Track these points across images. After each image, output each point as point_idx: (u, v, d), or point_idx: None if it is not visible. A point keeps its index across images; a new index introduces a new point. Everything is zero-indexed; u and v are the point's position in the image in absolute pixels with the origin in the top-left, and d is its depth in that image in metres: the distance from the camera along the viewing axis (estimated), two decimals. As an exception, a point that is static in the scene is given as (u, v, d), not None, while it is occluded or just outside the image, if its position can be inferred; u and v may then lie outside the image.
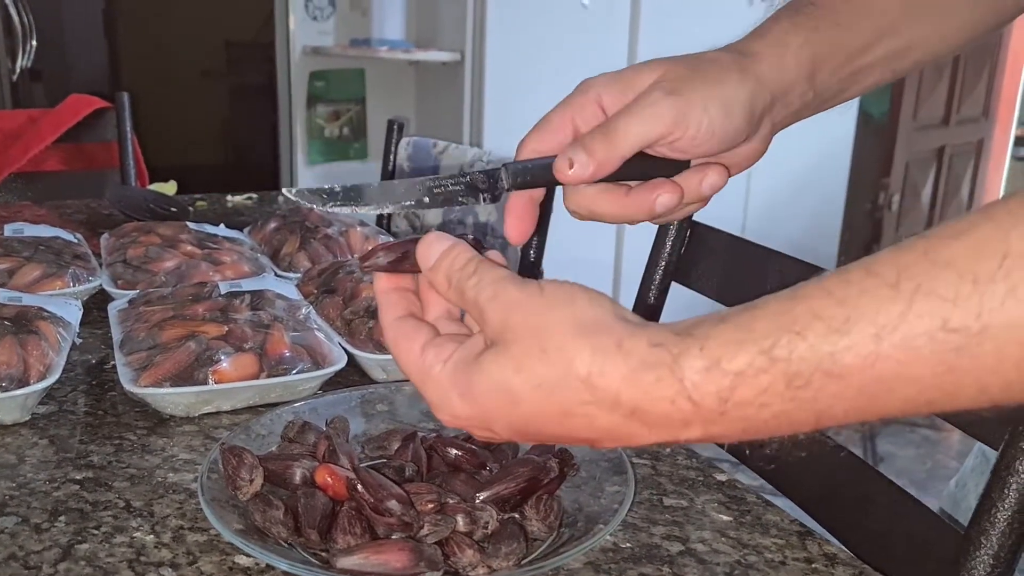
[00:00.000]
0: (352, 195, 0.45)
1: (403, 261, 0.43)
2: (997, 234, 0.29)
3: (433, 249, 0.41)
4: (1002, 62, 3.34)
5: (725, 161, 0.48)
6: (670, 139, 0.45)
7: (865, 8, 0.48)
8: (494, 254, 0.42)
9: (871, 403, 0.32)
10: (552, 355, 0.35)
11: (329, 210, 0.45)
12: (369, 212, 0.45)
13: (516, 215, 0.48)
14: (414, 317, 0.42)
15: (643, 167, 0.46)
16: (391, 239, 1.11)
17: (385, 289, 0.43)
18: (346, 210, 0.46)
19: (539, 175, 0.46)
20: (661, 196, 0.47)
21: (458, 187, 0.46)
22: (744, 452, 0.76)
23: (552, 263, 1.23)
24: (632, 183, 0.48)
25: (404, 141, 1.58)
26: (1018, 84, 3.43)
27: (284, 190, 0.46)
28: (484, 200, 0.46)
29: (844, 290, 0.32)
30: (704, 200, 0.49)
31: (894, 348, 0.30)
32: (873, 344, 0.30)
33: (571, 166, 0.44)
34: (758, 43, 0.48)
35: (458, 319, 0.43)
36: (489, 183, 0.46)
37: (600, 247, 2.40)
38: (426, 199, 0.46)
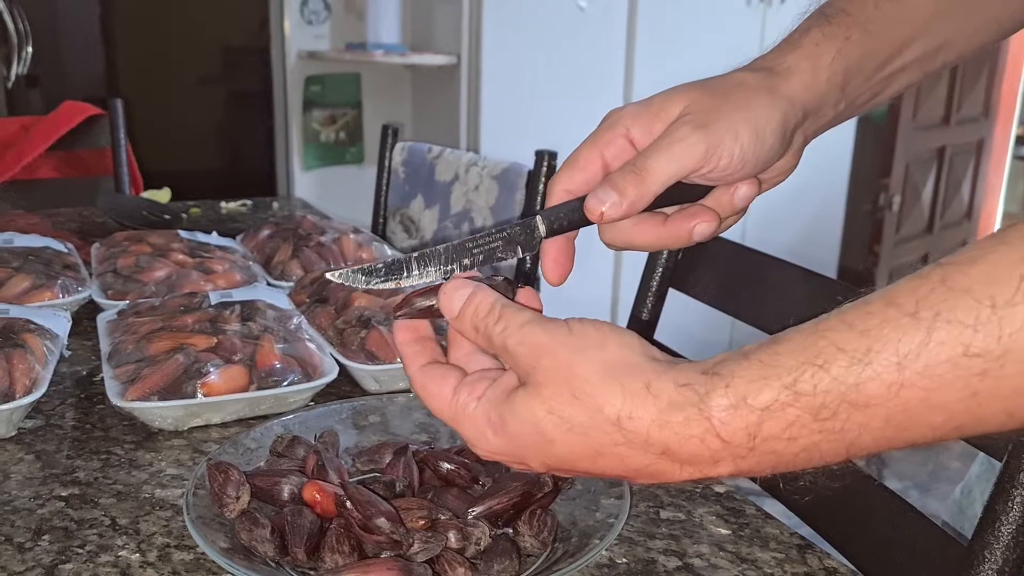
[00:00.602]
0: (395, 269, 0.45)
1: (432, 310, 0.44)
2: (1012, 257, 0.30)
3: (456, 299, 0.41)
4: (1002, 61, 3.33)
5: (760, 177, 0.48)
6: (702, 171, 0.45)
7: (897, 12, 0.48)
8: (527, 292, 0.43)
9: (899, 432, 0.32)
10: (583, 399, 0.36)
11: (373, 287, 0.46)
12: (413, 285, 0.46)
13: (553, 258, 0.48)
14: (439, 363, 0.43)
15: (674, 193, 0.46)
16: (384, 245, 1.09)
17: (406, 341, 0.44)
18: (390, 285, 0.45)
19: (574, 219, 0.46)
20: (699, 225, 0.47)
21: (496, 243, 0.46)
22: (779, 486, 0.75)
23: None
24: (668, 210, 0.48)
25: (399, 146, 1.57)
26: (1018, 83, 3.42)
27: (327, 274, 0.47)
28: (522, 252, 0.47)
29: (865, 322, 0.32)
30: (739, 213, 0.49)
31: (918, 376, 0.31)
32: (896, 373, 0.31)
33: (603, 206, 0.44)
34: (789, 57, 0.47)
35: (487, 352, 0.43)
36: (526, 234, 0.46)
37: (598, 253, 2.39)
38: (466, 261, 0.46)
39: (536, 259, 0.45)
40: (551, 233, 0.46)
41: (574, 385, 0.36)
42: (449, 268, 0.45)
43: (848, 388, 0.32)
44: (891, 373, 0.31)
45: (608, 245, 0.49)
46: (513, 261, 0.51)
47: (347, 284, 0.45)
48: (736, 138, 0.44)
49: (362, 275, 0.45)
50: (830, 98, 0.47)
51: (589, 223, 0.46)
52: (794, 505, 0.71)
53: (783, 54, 0.47)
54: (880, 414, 0.32)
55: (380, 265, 0.46)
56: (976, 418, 0.31)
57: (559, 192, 0.47)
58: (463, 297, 0.41)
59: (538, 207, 1.09)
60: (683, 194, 0.47)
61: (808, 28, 0.48)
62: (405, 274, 0.45)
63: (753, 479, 0.74)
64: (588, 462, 0.37)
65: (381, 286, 0.45)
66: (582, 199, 0.46)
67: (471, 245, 0.46)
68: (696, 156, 0.44)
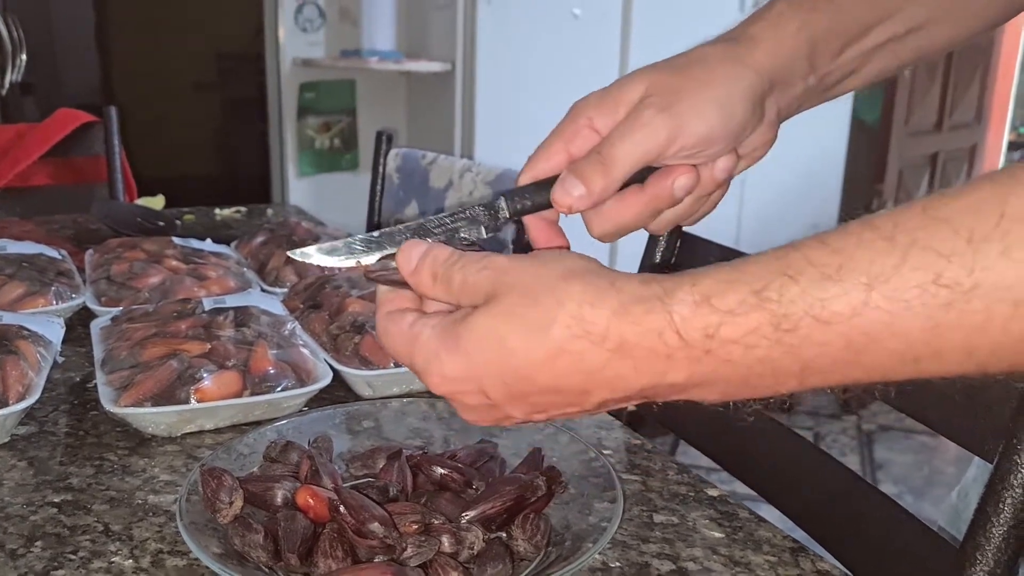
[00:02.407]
0: (355, 248, 0.45)
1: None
2: (996, 195, 0.29)
3: (413, 253, 0.41)
4: (994, 66, 3.35)
5: (738, 152, 0.47)
6: (669, 153, 0.44)
7: None
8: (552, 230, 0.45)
9: (857, 356, 0.32)
10: (543, 299, 0.35)
11: (334, 266, 0.46)
12: (374, 261, 0.45)
13: (544, 242, 0.48)
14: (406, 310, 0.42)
15: (646, 174, 0.46)
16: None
17: (383, 290, 0.43)
18: (351, 263, 0.45)
19: (538, 200, 0.46)
20: (679, 179, 0.45)
21: (459, 223, 0.46)
22: (772, 490, 0.75)
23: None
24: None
25: (393, 152, 1.57)
26: (1010, 88, 3.44)
27: (289, 253, 0.47)
28: (486, 232, 0.46)
29: (840, 241, 0.32)
30: (720, 184, 0.48)
31: (884, 299, 0.30)
32: (864, 293, 0.30)
33: (570, 198, 0.44)
34: (754, 27, 0.47)
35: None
36: (489, 214, 0.46)
37: (592, 254, 2.39)
38: (428, 240, 0.45)
39: (526, 248, 0.46)
40: (515, 214, 0.46)
41: (536, 290, 0.36)
42: (385, 255, 0.45)
43: (814, 301, 0.31)
44: (859, 292, 0.31)
45: (600, 238, 0.49)
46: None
47: (307, 262, 0.45)
48: (700, 116, 0.44)
49: (323, 254, 0.45)
50: (796, 68, 0.47)
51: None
52: (787, 509, 0.71)
53: (747, 25, 0.47)
54: (841, 333, 0.31)
55: (340, 244, 0.45)
56: (935, 351, 0.31)
57: (525, 180, 0.47)
58: (420, 250, 0.41)
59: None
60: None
61: (774, 2, 0.48)
62: (365, 252, 0.45)
63: (750, 487, 0.74)
64: (547, 371, 0.36)
65: (342, 264, 0.45)
66: (547, 180, 0.46)
67: (432, 225, 0.46)
68: (660, 139, 0.43)
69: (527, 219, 0.48)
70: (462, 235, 0.46)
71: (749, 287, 0.32)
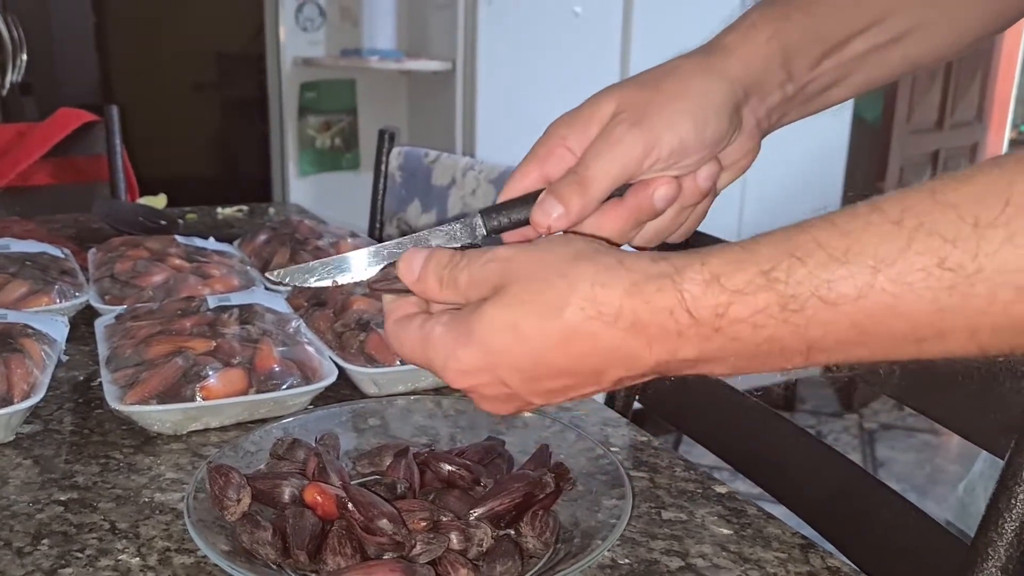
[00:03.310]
0: (331, 268, 0.46)
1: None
2: (1002, 181, 0.30)
3: (415, 261, 0.41)
4: (995, 65, 3.35)
5: (721, 163, 0.47)
6: (646, 167, 0.44)
7: None
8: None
9: (862, 336, 0.32)
10: (554, 282, 0.36)
11: (311, 285, 0.47)
12: (354, 280, 0.46)
13: None
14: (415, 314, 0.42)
15: (623, 189, 0.46)
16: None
17: (388, 299, 0.44)
18: (326, 283, 0.46)
19: (516, 216, 0.46)
20: (659, 190, 0.45)
21: (436, 238, 0.46)
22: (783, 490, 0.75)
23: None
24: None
25: (395, 151, 1.57)
26: (1011, 87, 3.44)
27: (266, 274, 0.49)
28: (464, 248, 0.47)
29: (849, 223, 0.32)
30: (704, 194, 0.48)
31: (890, 282, 0.31)
32: (870, 276, 0.31)
33: (549, 219, 0.44)
34: (727, 38, 0.47)
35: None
36: (467, 231, 0.47)
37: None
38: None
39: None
40: (493, 231, 0.47)
41: (546, 275, 0.36)
42: (387, 265, 0.45)
43: (820, 283, 0.32)
44: (865, 274, 0.31)
45: None
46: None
47: (287, 282, 0.46)
48: (672, 128, 0.44)
49: (301, 273, 0.46)
50: (771, 76, 0.46)
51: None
52: (795, 505, 0.71)
53: (720, 37, 0.47)
54: (847, 314, 0.32)
55: (317, 264, 0.46)
56: (939, 332, 0.31)
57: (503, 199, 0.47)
58: (421, 258, 0.41)
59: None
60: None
61: (748, 12, 0.48)
62: (341, 272, 0.46)
63: (757, 484, 0.74)
64: (562, 354, 0.36)
65: (318, 284, 0.46)
66: (524, 197, 0.46)
67: (411, 243, 0.46)
68: (635, 155, 0.44)
69: (505, 236, 0.48)
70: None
71: (757, 267, 0.33)
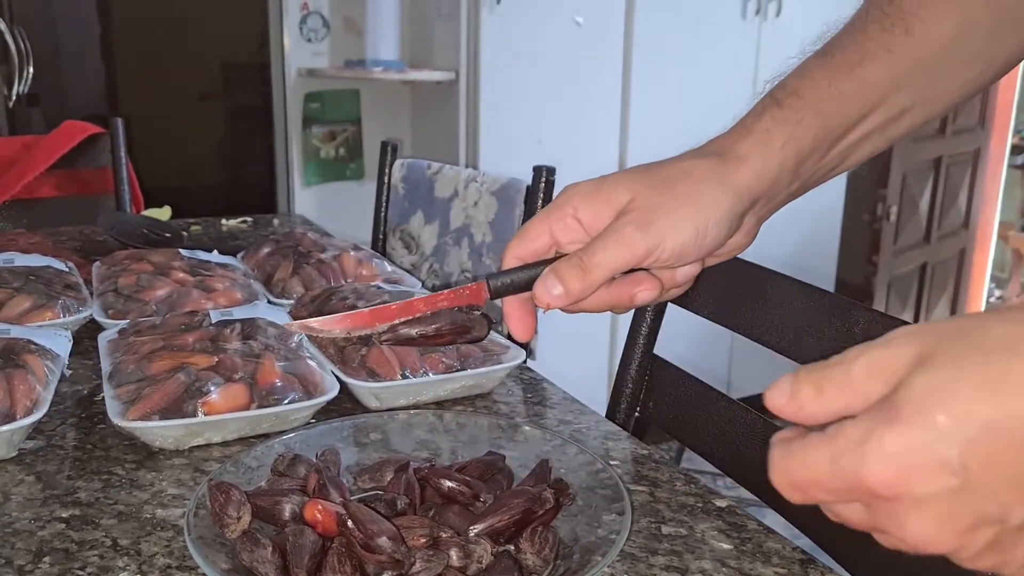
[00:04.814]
0: (348, 321, 0.52)
1: (414, 339, 0.52)
2: None
3: (781, 389, 0.31)
4: (997, 71, 3.35)
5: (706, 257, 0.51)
6: (646, 264, 0.48)
7: (853, 89, 0.48)
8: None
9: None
10: (999, 343, 0.25)
11: (326, 337, 0.54)
12: (366, 332, 0.53)
13: (515, 318, 0.52)
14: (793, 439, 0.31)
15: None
16: (384, 262, 1.10)
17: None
18: (339, 334, 0.53)
19: (519, 284, 0.51)
20: (640, 293, 0.50)
21: (445, 301, 0.52)
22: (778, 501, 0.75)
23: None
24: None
25: (398, 163, 1.57)
26: (1013, 93, 3.44)
27: (286, 324, 0.59)
28: (471, 310, 0.52)
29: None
30: (678, 286, 0.52)
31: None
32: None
33: (549, 297, 0.48)
34: (741, 144, 0.48)
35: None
36: (473, 295, 0.52)
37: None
38: (416, 316, 0.52)
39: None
40: (497, 294, 0.51)
41: (976, 335, 0.26)
42: (403, 319, 0.52)
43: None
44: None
45: (563, 311, 0.52)
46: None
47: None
48: (676, 236, 0.47)
49: (319, 326, 0.52)
50: (782, 181, 0.49)
51: (532, 288, 0.50)
52: (794, 516, 0.70)
53: (735, 140, 0.49)
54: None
55: (335, 317, 0.52)
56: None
57: (510, 259, 0.51)
58: (787, 382, 0.31)
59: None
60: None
61: (760, 113, 0.49)
62: (356, 326, 0.52)
63: (757, 496, 0.74)
64: None
65: (335, 335, 0.53)
66: (529, 266, 0.50)
67: (419, 303, 0.52)
68: (638, 255, 0.47)
69: (506, 301, 0.53)
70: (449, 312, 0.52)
71: None
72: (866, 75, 0.47)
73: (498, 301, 0.53)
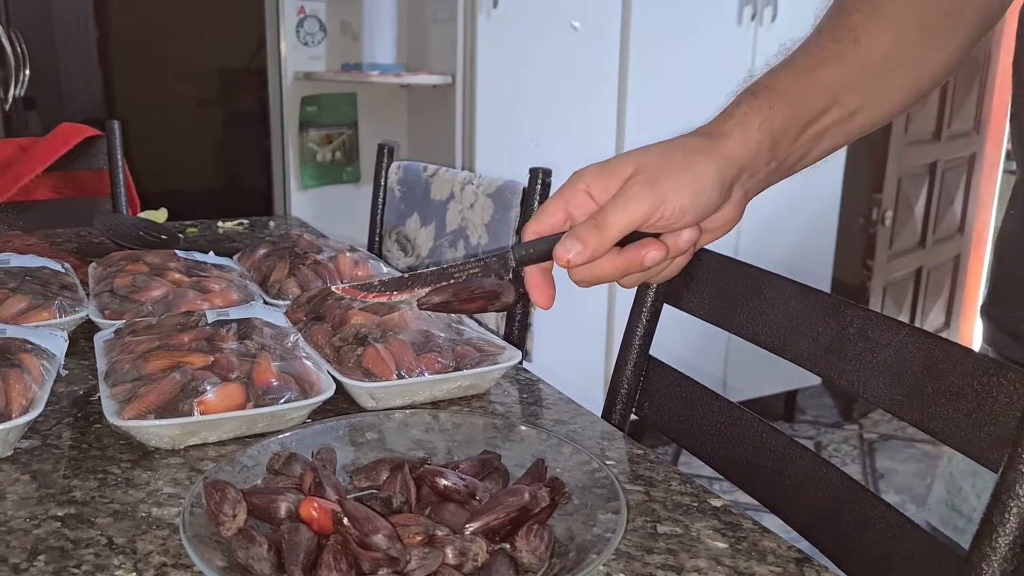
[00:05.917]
0: (390, 285, 0.58)
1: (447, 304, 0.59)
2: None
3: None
4: (992, 76, 3.36)
5: (704, 226, 0.57)
6: (651, 221, 0.54)
7: (811, 84, 0.58)
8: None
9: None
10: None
11: (371, 301, 0.59)
12: (405, 298, 0.58)
13: (536, 286, 0.58)
14: None
15: (628, 240, 0.55)
16: (380, 263, 1.10)
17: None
18: (383, 299, 0.58)
19: (541, 253, 0.56)
20: (650, 252, 0.55)
21: (475, 269, 0.57)
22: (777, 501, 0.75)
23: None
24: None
25: (394, 165, 1.58)
26: (1008, 99, 3.44)
27: (332, 288, 0.64)
28: (498, 276, 0.57)
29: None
30: (683, 252, 0.58)
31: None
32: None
33: (569, 254, 0.53)
34: (725, 124, 0.56)
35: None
36: (500, 263, 0.56)
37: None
38: (451, 281, 0.57)
39: (524, 296, 0.60)
40: (521, 263, 0.56)
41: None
42: (437, 286, 0.57)
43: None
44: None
45: (578, 283, 0.57)
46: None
47: (348, 297, 0.57)
48: (677, 193, 0.53)
49: (362, 289, 0.56)
50: (761, 157, 0.56)
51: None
52: (791, 518, 0.71)
53: (720, 123, 0.57)
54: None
55: (377, 283, 0.57)
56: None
57: (529, 233, 0.57)
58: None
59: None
60: (636, 239, 0.56)
61: (739, 103, 0.57)
62: (398, 288, 0.58)
63: (753, 497, 0.74)
64: None
65: (377, 298, 0.58)
66: (549, 237, 0.56)
67: (454, 270, 0.57)
68: (645, 209, 0.53)
69: (527, 268, 0.57)
70: (478, 278, 0.57)
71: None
72: (824, 75, 0.57)
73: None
